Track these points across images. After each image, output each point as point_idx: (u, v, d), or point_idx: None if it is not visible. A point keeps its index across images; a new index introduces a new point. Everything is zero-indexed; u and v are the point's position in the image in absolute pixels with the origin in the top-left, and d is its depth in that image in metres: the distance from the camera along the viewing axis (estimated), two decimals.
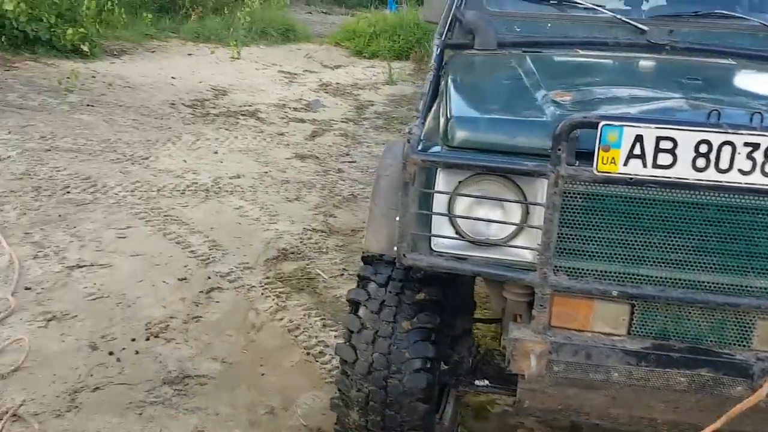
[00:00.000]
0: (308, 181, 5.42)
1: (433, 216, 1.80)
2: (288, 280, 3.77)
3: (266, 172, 5.55)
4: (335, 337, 3.20)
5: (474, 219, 1.77)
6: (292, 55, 11.49)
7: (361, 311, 2.09)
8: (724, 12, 2.66)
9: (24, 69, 8.15)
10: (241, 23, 11.77)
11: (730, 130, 1.56)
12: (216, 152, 5.97)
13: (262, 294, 3.59)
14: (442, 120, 1.97)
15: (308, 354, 3.07)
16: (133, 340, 3.05)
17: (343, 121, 7.62)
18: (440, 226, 1.81)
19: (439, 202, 1.79)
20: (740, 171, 1.57)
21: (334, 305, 3.53)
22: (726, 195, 1.65)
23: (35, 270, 3.57)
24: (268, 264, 3.94)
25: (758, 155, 1.56)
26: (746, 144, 1.56)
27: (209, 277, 3.71)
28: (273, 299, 3.53)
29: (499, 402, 2.80)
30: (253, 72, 9.87)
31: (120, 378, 2.79)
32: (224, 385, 2.82)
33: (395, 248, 1.86)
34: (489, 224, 1.79)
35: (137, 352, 2.96)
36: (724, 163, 1.57)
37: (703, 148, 1.57)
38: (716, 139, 1.56)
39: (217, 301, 3.48)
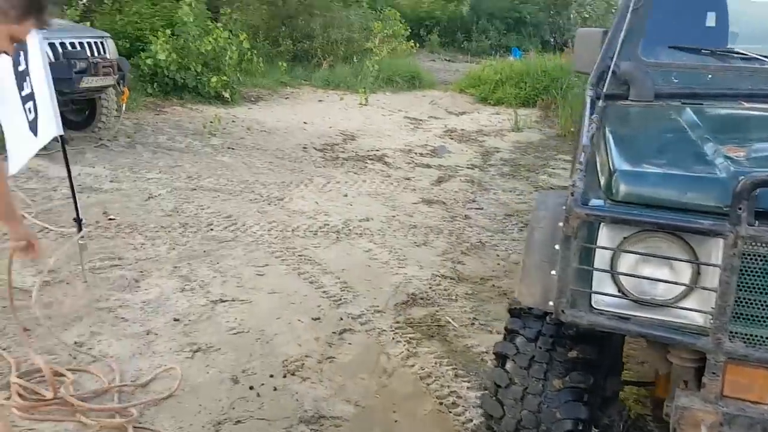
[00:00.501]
0: (435, 227, 5.44)
1: (595, 272, 1.74)
2: (418, 325, 3.77)
3: (394, 216, 5.63)
4: (468, 388, 3.14)
5: (640, 277, 1.70)
6: (417, 102, 11.74)
7: (509, 365, 2.05)
8: None
9: (172, 114, 8.85)
10: (369, 71, 12.23)
11: None
12: (346, 195, 6.15)
13: (393, 338, 3.60)
14: (602, 173, 1.92)
15: (441, 404, 3.03)
16: (272, 376, 3.14)
17: (468, 168, 7.63)
18: (602, 283, 1.75)
19: (602, 258, 1.73)
20: None
21: (465, 355, 3.47)
22: None
23: (183, 303, 3.78)
24: (398, 308, 3.96)
25: None
26: None
27: (341, 318, 3.77)
28: (404, 344, 3.53)
29: None
30: (379, 118, 10.16)
31: (259, 413, 2.87)
32: (358, 429, 2.83)
33: (551, 303, 1.81)
34: (655, 284, 1.70)
35: (275, 389, 3.04)
36: None
37: None
38: None
39: (350, 343, 3.53)
